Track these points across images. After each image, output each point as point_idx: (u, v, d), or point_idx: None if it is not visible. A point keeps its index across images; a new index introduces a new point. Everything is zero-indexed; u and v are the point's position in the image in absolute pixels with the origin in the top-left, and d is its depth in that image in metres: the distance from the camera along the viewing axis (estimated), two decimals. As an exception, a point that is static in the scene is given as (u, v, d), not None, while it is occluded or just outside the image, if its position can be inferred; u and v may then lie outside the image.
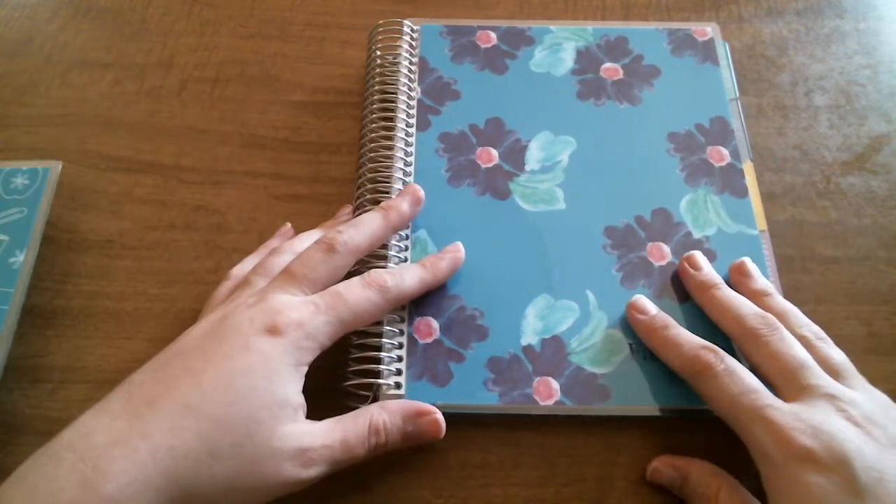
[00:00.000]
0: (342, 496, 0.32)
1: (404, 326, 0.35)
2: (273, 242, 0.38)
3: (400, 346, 0.35)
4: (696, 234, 0.38)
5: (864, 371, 0.31)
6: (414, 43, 0.45)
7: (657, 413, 0.33)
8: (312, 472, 0.28)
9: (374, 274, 0.32)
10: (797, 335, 0.31)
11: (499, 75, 0.44)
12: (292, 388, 0.29)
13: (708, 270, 0.36)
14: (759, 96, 0.45)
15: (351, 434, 0.30)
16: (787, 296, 0.35)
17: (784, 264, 0.38)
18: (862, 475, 0.26)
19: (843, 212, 0.40)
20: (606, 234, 0.38)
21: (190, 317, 0.36)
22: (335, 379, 0.34)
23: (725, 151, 0.41)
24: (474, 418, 0.34)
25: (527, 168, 0.40)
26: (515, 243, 0.38)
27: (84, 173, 0.42)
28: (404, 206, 0.36)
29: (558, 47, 0.45)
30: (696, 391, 0.32)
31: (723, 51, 0.45)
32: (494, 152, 0.41)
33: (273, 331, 0.29)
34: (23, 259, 0.37)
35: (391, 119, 0.41)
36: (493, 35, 0.45)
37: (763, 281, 0.35)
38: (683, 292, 0.36)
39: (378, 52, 0.44)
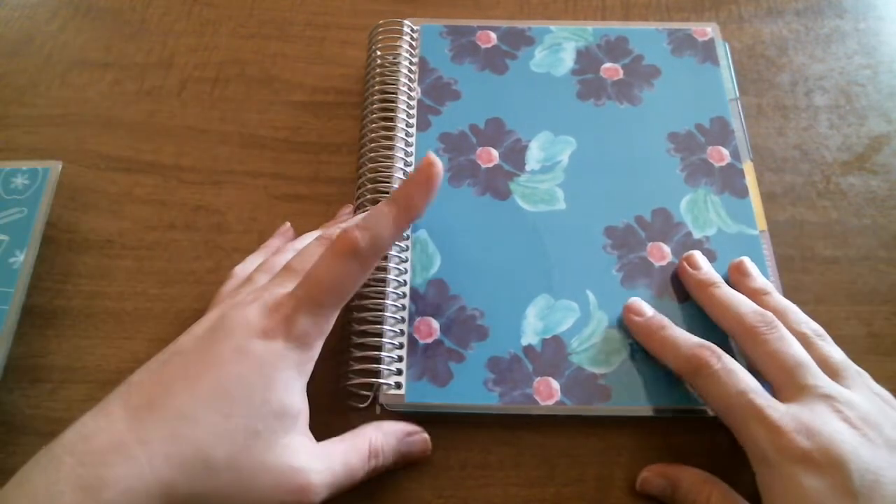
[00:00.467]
0: (342, 496, 0.32)
1: (404, 326, 0.35)
2: (273, 242, 0.38)
3: (400, 346, 0.35)
4: (697, 235, 0.38)
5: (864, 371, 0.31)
6: (414, 43, 0.45)
7: (657, 413, 0.33)
8: (314, 499, 0.27)
9: (342, 237, 0.29)
10: (796, 333, 0.31)
11: (499, 75, 0.44)
12: (291, 396, 0.28)
13: (707, 269, 0.36)
14: (759, 96, 0.45)
15: (353, 457, 0.29)
16: (787, 296, 0.35)
17: (784, 264, 0.38)
18: (857, 477, 0.26)
19: (843, 212, 0.40)
20: (607, 234, 0.38)
21: (190, 317, 0.36)
22: (335, 379, 0.34)
23: (725, 151, 0.41)
24: (474, 418, 0.34)
25: (527, 168, 0.40)
26: (516, 243, 0.38)
27: (84, 173, 0.42)
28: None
29: (558, 47, 0.45)
30: (693, 390, 0.32)
31: (723, 51, 0.45)
32: (495, 152, 0.41)
33: (267, 332, 0.28)
34: (23, 259, 0.37)
35: (391, 119, 0.41)
36: (493, 35, 0.45)
37: (762, 279, 0.35)
38: (683, 292, 0.36)
39: (378, 52, 0.44)
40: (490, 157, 0.41)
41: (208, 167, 0.42)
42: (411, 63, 0.44)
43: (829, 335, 0.32)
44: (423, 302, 0.36)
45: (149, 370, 0.28)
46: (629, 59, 0.44)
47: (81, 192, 0.42)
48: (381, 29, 0.44)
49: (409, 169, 0.40)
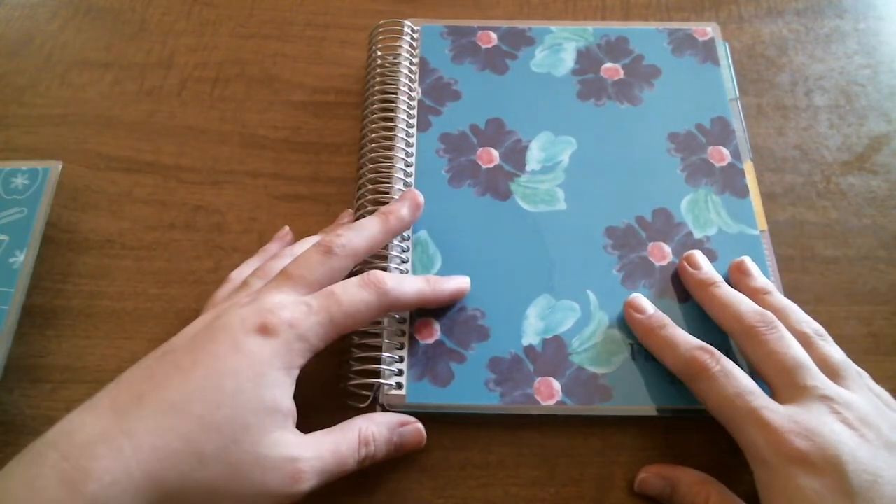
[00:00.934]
0: (342, 496, 0.32)
1: (405, 327, 0.35)
2: (272, 247, 0.38)
3: (401, 347, 0.35)
4: (697, 234, 0.38)
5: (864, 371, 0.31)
6: (414, 43, 0.45)
7: (658, 413, 0.33)
8: (304, 486, 0.27)
9: (374, 274, 0.32)
10: (797, 332, 0.31)
11: (499, 76, 0.44)
12: (282, 394, 0.28)
13: (707, 269, 0.36)
14: (759, 96, 0.45)
15: (342, 445, 0.29)
16: (787, 296, 0.35)
17: (784, 264, 0.38)
18: (855, 478, 0.26)
19: (843, 212, 0.40)
20: (607, 234, 0.38)
21: (190, 317, 0.36)
22: (336, 379, 0.34)
23: (726, 151, 0.41)
24: (475, 418, 0.34)
25: (527, 168, 0.40)
26: (516, 244, 0.38)
27: (84, 173, 0.42)
28: (404, 211, 0.35)
29: (559, 47, 0.45)
30: (691, 391, 0.32)
31: (723, 51, 0.45)
32: (495, 153, 0.41)
33: (264, 330, 0.28)
34: (23, 259, 0.37)
35: (391, 119, 0.41)
36: (493, 35, 0.45)
37: (763, 279, 0.35)
38: (684, 292, 0.36)
39: (378, 53, 0.44)
40: (490, 157, 0.41)
41: (208, 167, 0.42)
42: (412, 63, 0.44)
43: (829, 335, 0.32)
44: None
45: (139, 367, 0.28)
46: (629, 59, 0.44)
47: (81, 192, 0.42)
48: (381, 29, 0.44)
49: (409, 169, 0.40)
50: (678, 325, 0.34)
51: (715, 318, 0.34)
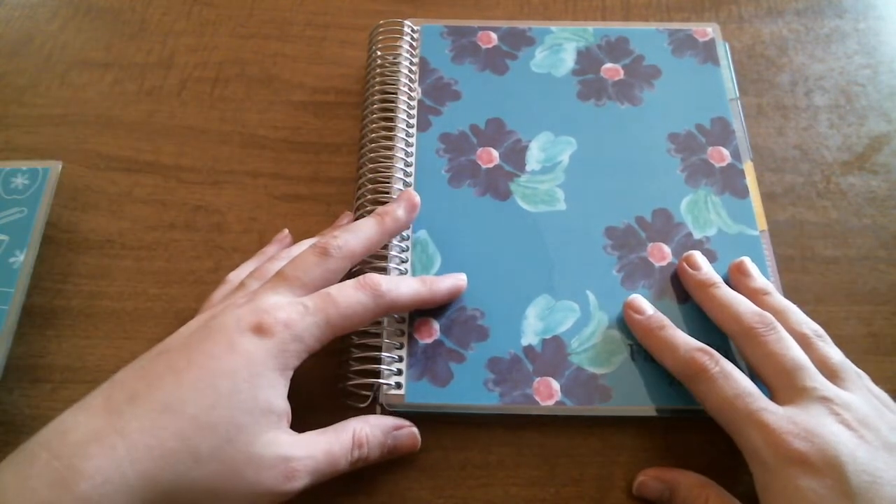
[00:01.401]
0: (343, 496, 0.32)
1: (405, 326, 0.35)
2: (270, 249, 0.38)
3: (400, 347, 0.35)
4: (697, 235, 0.38)
5: (864, 371, 0.31)
6: (414, 43, 0.45)
7: (657, 413, 0.33)
8: (296, 484, 0.28)
9: (370, 276, 0.32)
10: (796, 333, 0.31)
11: (499, 76, 0.44)
12: (276, 394, 0.28)
13: (707, 270, 0.36)
14: (759, 96, 0.45)
15: (335, 446, 0.29)
16: (787, 296, 0.35)
17: (784, 264, 0.38)
18: (854, 479, 0.26)
19: (843, 212, 0.40)
20: (607, 234, 0.38)
21: (190, 317, 0.36)
22: (335, 379, 0.34)
23: (726, 152, 0.41)
24: (475, 418, 0.34)
25: (527, 168, 0.40)
26: (516, 244, 0.38)
27: (84, 173, 0.42)
28: (400, 212, 0.35)
29: (559, 48, 0.45)
30: (690, 392, 0.32)
31: (723, 51, 0.45)
32: (495, 153, 0.41)
33: (259, 330, 0.28)
34: (23, 259, 0.37)
35: (391, 119, 0.41)
36: (493, 35, 0.45)
37: (762, 279, 0.35)
38: (684, 293, 0.36)
39: (378, 53, 0.44)
40: (490, 157, 0.41)
41: (208, 167, 0.42)
42: (412, 63, 0.44)
43: (829, 335, 0.32)
44: (424, 302, 0.36)
45: (133, 368, 0.28)
46: (630, 59, 0.44)
47: (81, 192, 0.42)
48: (381, 29, 0.44)
49: (409, 169, 0.40)
50: (678, 325, 0.34)
51: (714, 319, 0.34)
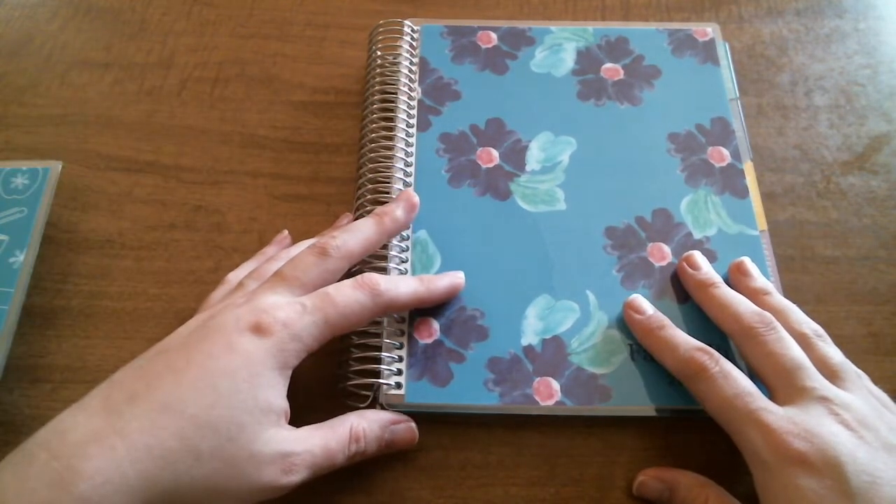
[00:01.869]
0: (343, 496, 0.32)
1: (405, 326, 0.35)
2: (269, 250, 0.38)
3: (400, 347, 0.35)
4: (697, 235, 0.38)
5: (863, 371, 0.31)
6: (414, 43, 0.45)
7: (657, 413, 0.33)
8: (294, 478, 0.28)
9: (369, 276, 0.32)
10: (796, 332, 0.31)
11: (499, 76, 0.44)
12: (275, 393, 0.28)
13: (706, 270, 0.36)
14: (759, 96, 0.45)
15: (332, 441, 0.29)
16: (787, 296, 0.35)
17: (784, 264, 0.38)
18: (854, 479, 0.26)
19: (843, 212, 0.40)
20: (607, 234, 0.38)
21: (190, 317, 0.36)
22: (335, 379, 0.34)
23: (726, 152, 0.41)
24: (475, 418, 0.34)
25: (527, 168, 0.40)
26: (516, 244, 0.38)
27: (84, 173, 0.42)
28: (398, 212, 0.35)
29: (559, 48, 0.45)
30: (690, 392, 0.32)
31: (723, 51, 0.45)
32: (495, 153, 0.41)
33: (258, 330, 0.28)
34: (23, 259, 0.37)
35: (391, 119, 0.41)
36: (493, 35, 0.45)
37: (762, 279, 0.35)
38: (684, 293, 0.36)
39: (378, 52, 0.44)
40: (490, 157, 0.41)
41: (208, 167, 0.42)
42: (412, 63, 0.44)
43: (829, 335, 0.32)
44: (424, 302, 0.36)
45: (132, 367, 0.28)
46: (630, 59, 0.44)
47: (81, 192, 0.42)
48: (381, 29, 0.44)
49: (409, 169, 0.40)
50: (677, 325, 0.34)
51: (714, 318, 0.34)
